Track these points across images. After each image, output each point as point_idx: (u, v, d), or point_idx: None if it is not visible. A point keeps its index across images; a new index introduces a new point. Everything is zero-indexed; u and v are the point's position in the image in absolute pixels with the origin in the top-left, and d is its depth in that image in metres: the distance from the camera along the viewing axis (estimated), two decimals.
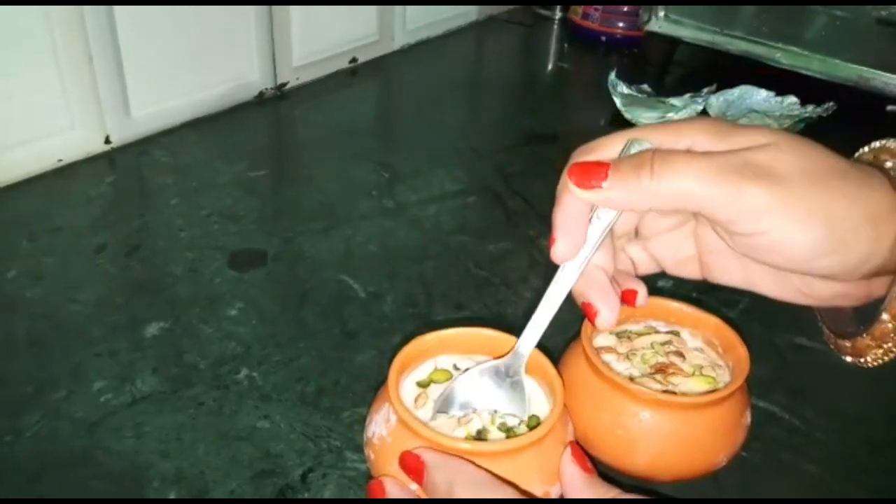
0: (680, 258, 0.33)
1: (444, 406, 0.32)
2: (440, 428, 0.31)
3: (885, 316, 0.28)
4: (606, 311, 0.30)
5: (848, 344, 0.30)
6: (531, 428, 0.31)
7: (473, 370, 0.33)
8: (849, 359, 0.30)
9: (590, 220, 0.30)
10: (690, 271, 0.33)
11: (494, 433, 0.31)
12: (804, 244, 0.26)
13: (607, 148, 0.29)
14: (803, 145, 0.27)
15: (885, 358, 0.29)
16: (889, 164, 0.28)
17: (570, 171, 0.28)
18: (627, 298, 0.32)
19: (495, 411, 0.32)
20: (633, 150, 0.29)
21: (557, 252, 0.29)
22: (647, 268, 0.34)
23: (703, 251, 0.32)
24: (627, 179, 0.27)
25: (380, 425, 0.32)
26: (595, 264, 0.30)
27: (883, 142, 0.28)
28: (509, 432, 0.31)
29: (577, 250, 0.30)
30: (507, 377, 0.32)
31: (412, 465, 0.29)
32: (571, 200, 0.29)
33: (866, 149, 0.29)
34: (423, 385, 0.34)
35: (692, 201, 0.26)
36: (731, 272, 0.32)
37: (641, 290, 0.32)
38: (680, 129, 0.28)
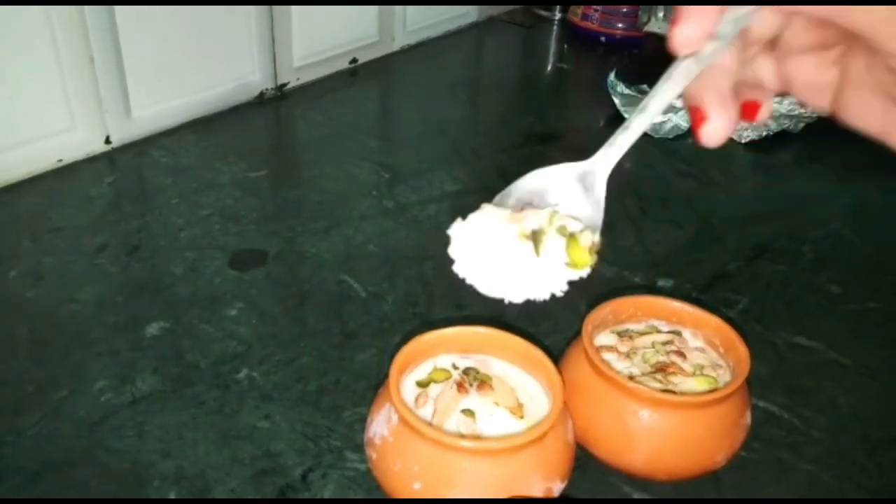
0: (814, 83, 0.27)
1: (501, 200, 0.26)
2: (489, 218, 0.25)
3: None
4: (718, 119, 0.24)
5: None
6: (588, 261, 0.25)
7: (543, 169, 0.26)
8: None
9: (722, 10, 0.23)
10: (820, 101, 0.27)
11: (552, 236, 0.25)
12: None
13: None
14: None
15: None
16: None
17: None
18: (747, 110, 0.26)
19: (556, 210, 0.25)
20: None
21: (679, 37, 0.23)
22: (772, 86, 0.28)
23: (846, 83, 0.26)
24: None
25: (381, 425, 0.32)
26: (718, 64, 0.24)
27: None
28: (570, 238, 0.25)
29: (702, 41, 0.23)
30: (584, 181, 0.26)
31: None
32: None
33: None
34: (423, 385, 0.34)
35: (868, 22, 0.21)
36: (869, 115, 0.26)
37: (767, 102, 0.26)
38: None
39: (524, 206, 0.26)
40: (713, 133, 0.24)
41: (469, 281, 0.25)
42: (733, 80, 0.25)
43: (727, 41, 0.24)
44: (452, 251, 0.25)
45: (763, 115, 0.27)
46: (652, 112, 0.24)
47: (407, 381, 0.34)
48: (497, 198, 0.26)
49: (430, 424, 0.30)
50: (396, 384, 0.31)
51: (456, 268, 0.26)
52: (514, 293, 0.26)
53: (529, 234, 0.25)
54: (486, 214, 0.25)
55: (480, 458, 0.30)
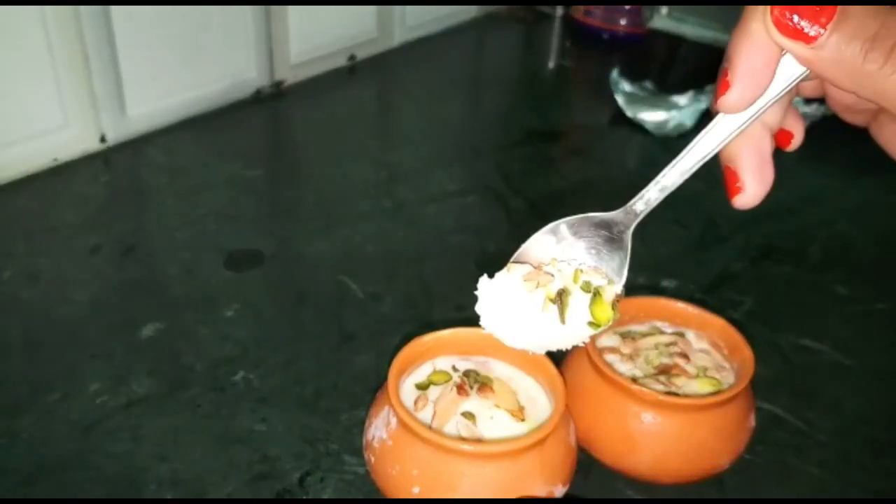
0: (853, 107, 0.26)
1: (521, 256, 0.27)
2: (512, 284, 0.25)
3: None
4: (754, 189, 0.24)
5: None
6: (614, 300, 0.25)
7: (568, 219, 0.26)
8: None
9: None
10: (859, 120, 0.27)
11: (576, 294, 0.25)
12: None
13: None
14: None
15: None
16: None
17: (776, 8, 0.21)
18: (781, 139, 0.25)
19: (580, 267, 0.26)
20: None
21: (729, 101, 0.22)
22: (811, 92, 0.27)
23: (883, 112, 0.25)
24: (852, 52, 0.20)
25: (380, 428, 0.31)
26: (760, 122, 0.24)
27: None
28: (596, 294, 0.25)
29: (752, 102, 0.23)
30: (610, 231, 0.26)
31: None
32: (764, 42, 0.21)
33: None
34: (422, 387, 0.33)
35: None
36: None
37: (798, 131, 0.26)
38: None
39: (548, 258, 0.26)
40: (747, 202, 0.24)
41: (496, 335, 0.26)
42: (774, 134, 0.24)
43: (775, 101, 0.23)
44: (479, 308, 0.26)
45: (795, 143, 0.26)
46: (685, 169, 0.24)
47: (406, 384, 0.33)
48: (521, 250, 0.26)
49: (428, 427, 0.30)
50: (395, 387, 0.31)
51: (483, 323, 0.27)
52: (539, 347, 0.27)
53: (555, 296, 0.25)
54: (513, 275, 0.25)
55: (480, 462, 0.29)
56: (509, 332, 0.26)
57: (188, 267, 0.49)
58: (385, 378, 0.32)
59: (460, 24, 0.92)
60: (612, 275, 0.26)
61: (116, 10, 0.57)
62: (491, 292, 0.26)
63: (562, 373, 0.33)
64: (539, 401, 0.33)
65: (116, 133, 0.61)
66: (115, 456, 0.36)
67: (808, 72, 0.22)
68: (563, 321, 0.25)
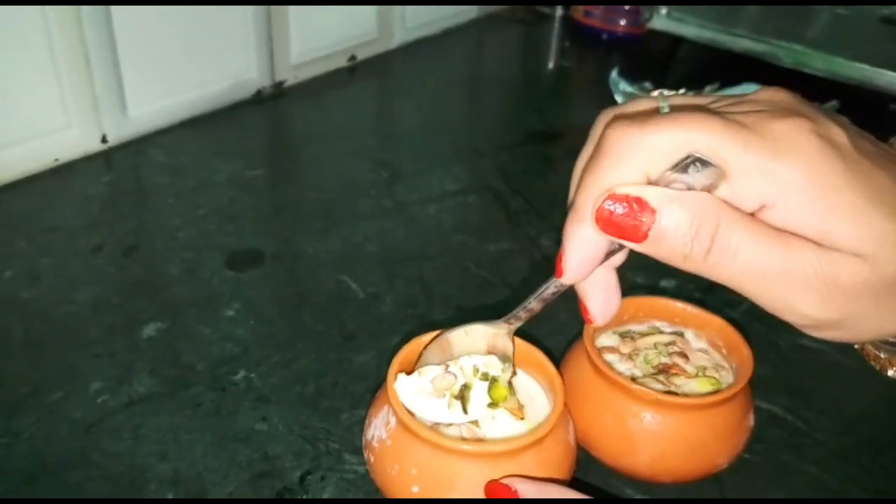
0: None
1: (430, 353, 0.32)
2: (422, 385, 0.31)
3: None
4: (599, 313, 0.28)
5: (883, 356, 0.29)
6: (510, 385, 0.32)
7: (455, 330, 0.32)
8: (891, 372, 0.29)
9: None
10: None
11: (477, 385, 0.31)
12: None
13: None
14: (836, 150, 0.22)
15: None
16: None
17: (599, 211, 0.23)
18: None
19: (476, 365, 0.32)
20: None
21: (564, 281, 0.26)
22: None
23: None
24: (673, 246, 0.22)
25: (379, 428, 0.31)
26: (606, 264, 0.27)
27: None
28: (492, 383, 0.31)
29: (585, 277, 0.26)
30: (498, 330, 0.32)
31: (502, 495, 0.28)
32: (592, 236, 0.24)
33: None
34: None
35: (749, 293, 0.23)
36: None
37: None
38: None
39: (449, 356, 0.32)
40: (597, 324, 0.28)
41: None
42: (617, 267, 0.28)
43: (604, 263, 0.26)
44: (397, 394, 0.31)
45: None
46: (545, 296, 0.29)
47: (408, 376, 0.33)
48: (427, 352, 0.32)
49: (428, 427, 0.30)
50: (394, 387, 0.31)
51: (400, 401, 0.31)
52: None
53: (458, 394, 0.31)
54: (423, 378, 0.31)
55: (480, 461, 0.29)
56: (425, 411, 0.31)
57: (189, 266, 0.49)
58: (383, 382, 0.32)
59: (460, 24, 0.92)
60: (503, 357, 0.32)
61: (117, 11, 0.57)
62: (407, 388, 0.31)
63: (561, 372, 0.33)
64: (538, 399, 0.33)
65: (117, 133, 0.61)
66: (116, 455, 0.36)
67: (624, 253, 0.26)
68: (465, 412, 0.31)
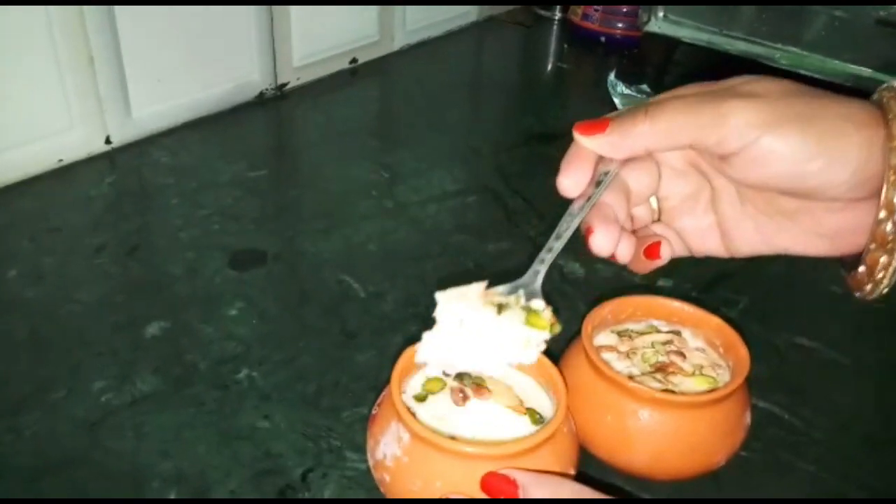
0: (701, 231, 0.34)
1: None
2: (470, 294, 0.31)
3: (872, 245, 0.28)
4: (602, 233, 0.30)
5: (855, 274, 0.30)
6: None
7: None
8: (857, 294, 0.30)
9: (596, 176, 0.31)
10: (715, 247, 0.34)
11: (515, 309, 0.31)
12: (791, 147, 0.27)
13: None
14: (782, 80, 0.29)
15: (880, 290, 0.29)
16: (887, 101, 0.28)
17: (576, 126, 0.32)
18: (651, 252, 0.32)
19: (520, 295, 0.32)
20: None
21: (562, 186, 0.31)
22: (678, 250, 0.34)
23: (721, 220, 0.33)
24: (625, 125, 0.30)
25: (391, 446, 0.30)
26: (604, 200, 0.31)
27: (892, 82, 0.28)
28: (530, 313, 0.31)
29: (581, 187, 0.31)
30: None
31: (502, 487, 0.28)
32: (578, 147, 0.32)
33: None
34: (420, 399, 0.33)
35: (684, 133, 0.29)
36: (749, 236, 0.32)
37: (665, 242, 0.32)
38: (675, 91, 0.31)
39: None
40: (600, 244, 0.30)
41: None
42: (621, 215, 0.31)
43: (605, 185, 0.31)
44: (438, 314, 0.32)
45: (664, 252, 0.32)
46: (565, 238, 0.31)
47: (405, 398, 0.32)
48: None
49: (447, 437, 0.29)
50: (401, 401, 0.30)
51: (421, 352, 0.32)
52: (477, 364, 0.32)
53: (496, 306, 0.31)
54: (471, 289, 0.32)
55: (500, 463, 0.28)
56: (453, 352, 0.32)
57: (192, 266, 0.49)
58: (384, 381, 0.32)
59: (460, 27, 0.93)
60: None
61: (121, 12, 0.57)
62: (450, 301, 0.32)
63: (560, 371, 0.33)
64: (531, 391, 0.33)
65: (121, 134, 0.62)
66: (119, 453, 0.36)
67: (617, 168, 0.31)
68: (498, 313, 0.31)
